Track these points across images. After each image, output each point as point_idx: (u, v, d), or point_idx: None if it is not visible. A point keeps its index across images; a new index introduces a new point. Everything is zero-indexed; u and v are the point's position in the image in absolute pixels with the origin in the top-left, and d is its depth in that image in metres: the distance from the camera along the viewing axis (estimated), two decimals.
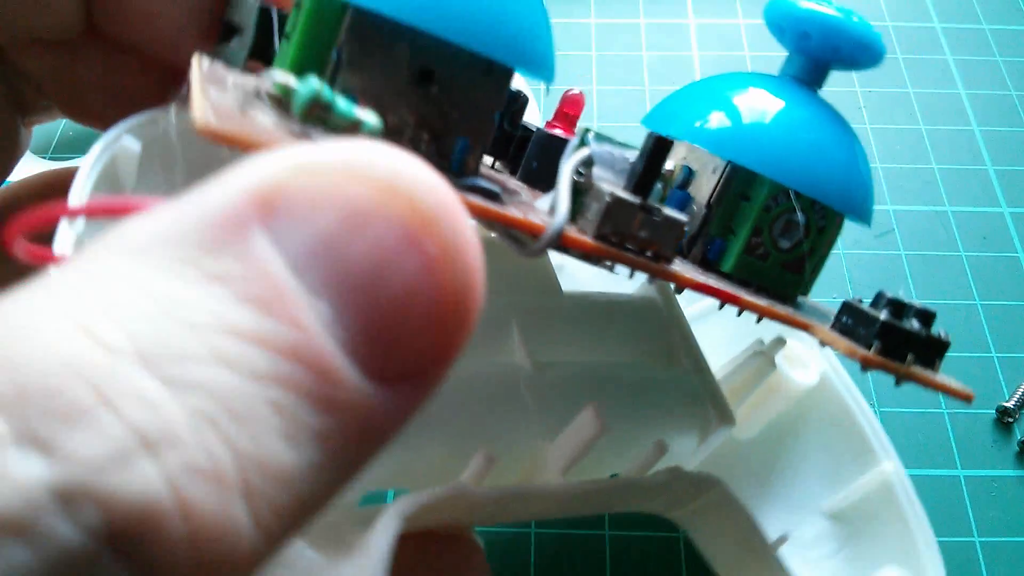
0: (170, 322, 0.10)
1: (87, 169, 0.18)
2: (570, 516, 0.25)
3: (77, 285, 0.10)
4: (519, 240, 0.17)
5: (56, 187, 0.24)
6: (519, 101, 0.21)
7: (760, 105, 0.21)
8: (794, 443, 0.30)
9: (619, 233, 0.17)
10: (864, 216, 0.22)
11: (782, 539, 0.27)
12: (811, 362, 0.30)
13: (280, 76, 0.15)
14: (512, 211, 0.16)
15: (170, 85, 0.23)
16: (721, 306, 0.22)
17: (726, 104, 0.21)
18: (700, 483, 0.24)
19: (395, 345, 0.11)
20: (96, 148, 0.19)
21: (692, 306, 0.30)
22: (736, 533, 0.25)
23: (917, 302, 0.20)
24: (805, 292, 0.23)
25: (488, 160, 0.20)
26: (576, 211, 0.17)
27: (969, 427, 0.34)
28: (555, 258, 0.28)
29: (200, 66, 0.18)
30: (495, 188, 0.17)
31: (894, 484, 0.28)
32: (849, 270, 0.38)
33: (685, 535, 0.31)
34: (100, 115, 0.24)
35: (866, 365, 0.19)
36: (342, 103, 0.14)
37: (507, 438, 0.22)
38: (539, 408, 0.24)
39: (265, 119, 0.15)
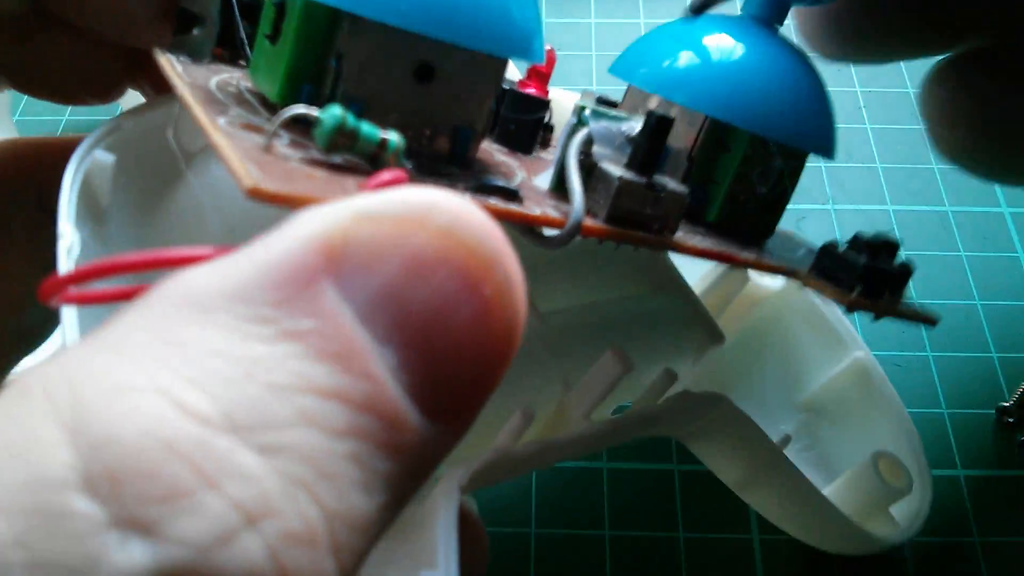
0: (254, 385, 0.10)
1: (67, 192, 0.18)
2: (596, 451, 0.27)
3: (154, 351, 0.10)
4: (537, 234, 0.18)
5: (38, 155, 0.23)
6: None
7: (733, 57, 0.22)
8: (767, 346, 0.32)
9: (629, 212, 0.18)
10: (829, 151, 0.23)
11: (786, 439, 0.28)
12: None
13: (301, 108, 0.15)
14: (533, 209, 0.17)
15: (125, 64, 0.23)
16: None
17: (698, 56, 0.22)
18: (707, 401, 0.25)
19: (451, 385, 0.11)
20: (70, 169, 0.19)
21: None
22: (743, 442, 0.26)
23: (880, 236, 0.21)
24: (771, 233, 0.24)
25: None
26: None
27: (969, 427, 0.34)
28: None
29: (174, 70, 0.18)
30: (512, 186, 0.17)
31: (866, 369, 0.29)
32: None
33: (685, 534, 0.30)
34: (55, 91, 0.23)
35: (851, 307, 0.20)
36: (366, 128, 0.14)
37: (527, 391, 0.23)
38: (553, 356, 0.25)
39: (286, 149, 0.15)
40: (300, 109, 0.15)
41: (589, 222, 0.17)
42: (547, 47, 0.22)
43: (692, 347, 0.28)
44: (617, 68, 0.23)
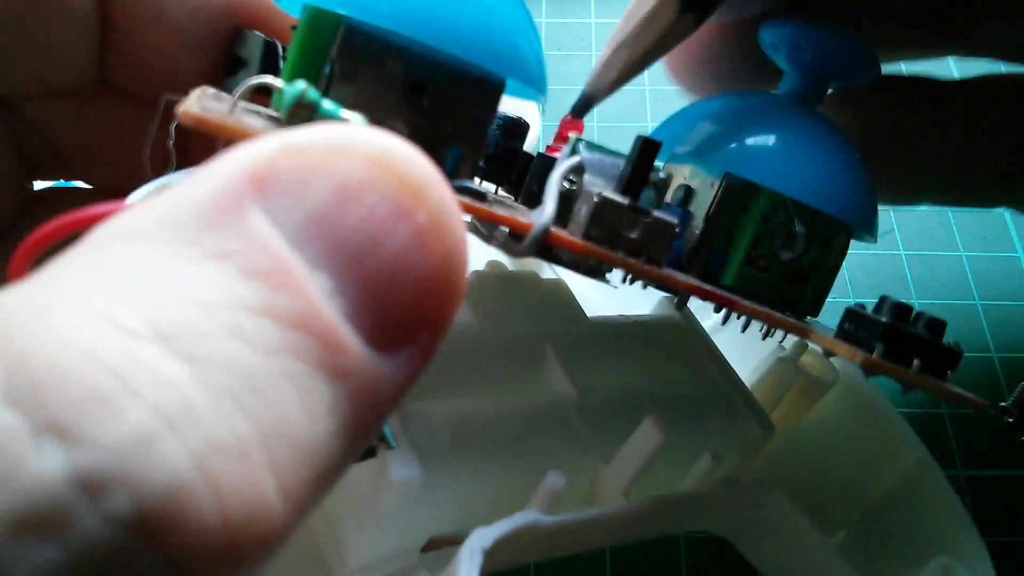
0: (181, 302, 0.10)
1: None
2: (633, 541, 0.25)
3: (84, 276, 0.10)
4: (507, 244, 0.17)
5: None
6: (521, 127, 0.21)
7: (753, 117, 0.22)
8: (822, 444, 0.30)
9: (609, 233, 0.17)
10: (866, 225, 0.22)
11: (842, 542, 0.27)
12: (831, 362, 0.29)
13: (267, 78, 0.15)
14: (498, 210, 0.17)
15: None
16: (725, 320, 0.22)
17: (719, 120, 0.22)
18: (757, 493, 0.24)
19: (392, 313, 0.11)
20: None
21: (704, 323, 0.30)
22: (796, 541, 0.25)
23: (927, 312, 0.20)
24: (815, 312, 0.22)
25: (491, 187, 0.21)
26: (568, 217, 0.18)
27: (969, 427, 0.34)
28: (573, 287, 0.29)
29: (203, 90, 0.18)
30: (482, 189, 0.17)
31: (927, 473, 0.27)
32: (849, 271, 0.38)
33: (686, 534, 0.30)
34: (112, 167, 0.23)
35: (869, 368, 0.19)
36: (327, 103, 0.15)
37: (564, 464, 0.22)
38: (590, 430, 0.24)
39: (253, 120, 0.15)
40: (267, 79, 0.15)
41: (564, 235, 0.17)
42: (580, 123, 0.22)
43: (739, 436, 0.27)
44: None
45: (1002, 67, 0.40)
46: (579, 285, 0.29)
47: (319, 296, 0.10)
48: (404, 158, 0.11)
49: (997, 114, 0.28)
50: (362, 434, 0.11)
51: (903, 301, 0.20)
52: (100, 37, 0.20)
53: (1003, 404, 0.34)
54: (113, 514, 0.08)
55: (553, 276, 0.30)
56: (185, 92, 0.21)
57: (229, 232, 0.10)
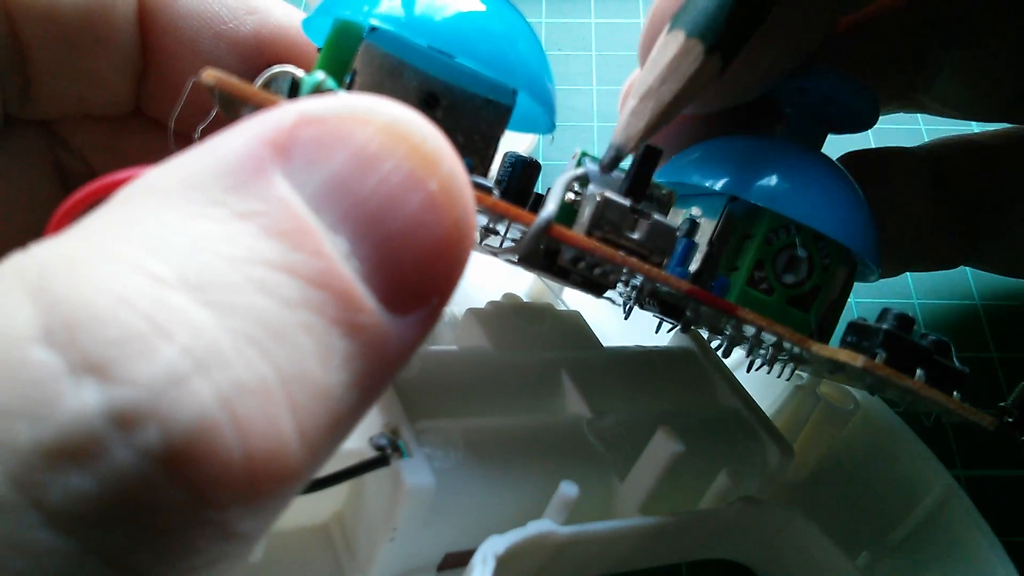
0: (208, 255, 0.10)
1: None
2: (652, 564, 0.25)
3: (115, 229, 0.11)
4: (513, 250, 0.18)
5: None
6: (533, 167, 0.21)
7: (757, 149, 0.22)
8: (843, 474, 0.30)
9: (612, 232, 0.18)
10: (869, 252, 0.22)
11: (868, 566, 0.27)
12: (851, 390, 0.30)
13: (288, 66, 0.16)
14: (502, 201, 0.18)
15: None
16: (726, 353, 0.23)
17: (725, 151, 0.23)
18: (775, 511, 0.24)
19: (404, 275, 0.12)
20: None
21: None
22: (820, 565, 0.25)
23: (931, 333, 0.20)
24: (824, 339, 0.22)
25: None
26: (573, 222, 0.19)
27: (969, 427, 0.34)
28: (590, 320, 0.29)
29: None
30: (488, 183, 0.18)
31: (950, 503, 0.28)
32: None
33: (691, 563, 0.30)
34: None
35: (871, 374, 0.19)
36: (344, 93, 0.15)
37: (578, 479, 0.22)
38: (606, 448, 0.24)
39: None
40: (288, 67, 0.16)
41: (567, 231, 0.18)
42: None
43: (758, 460, 0.27)
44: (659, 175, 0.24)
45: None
46: (596, 318, 0.30)
47: (337, 256, 0.11)
48: (418, 128, 0.12)
49: (968, 175, 0.29)
50: (373, 388, 0.12)
51: (905, 315, 0.20)
52: (139, 67, 0.22)
53: (1003, 404, 0.34)
54: (144, 447, 0.09)
55: (568, 309, 0.30)
56: (217, 125, 0.21)
57: (253, 194, 0.11)
